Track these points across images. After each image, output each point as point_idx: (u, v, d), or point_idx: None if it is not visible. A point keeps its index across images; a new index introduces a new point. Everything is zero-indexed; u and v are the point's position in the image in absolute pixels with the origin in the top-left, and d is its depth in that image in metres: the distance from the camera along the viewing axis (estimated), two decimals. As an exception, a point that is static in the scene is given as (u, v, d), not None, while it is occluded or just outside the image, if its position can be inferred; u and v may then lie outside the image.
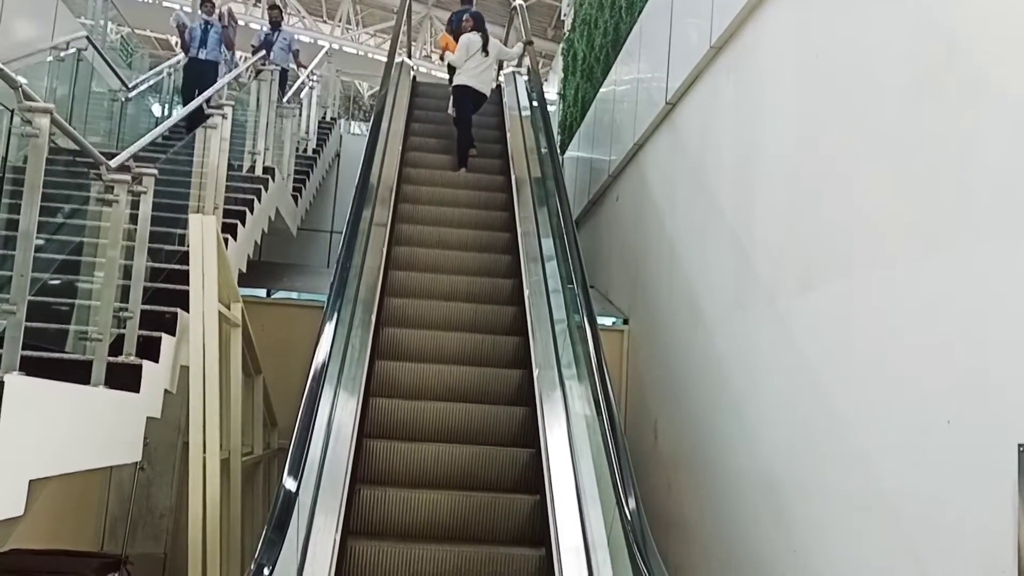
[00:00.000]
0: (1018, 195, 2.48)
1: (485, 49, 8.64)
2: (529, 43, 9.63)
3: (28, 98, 3.07)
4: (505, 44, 11.62)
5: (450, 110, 8.84)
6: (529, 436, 4.83)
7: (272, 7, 11.12)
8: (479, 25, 9.03)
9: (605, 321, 6.95)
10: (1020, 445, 2.36)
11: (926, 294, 2.90)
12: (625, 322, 7.12)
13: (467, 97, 8.60)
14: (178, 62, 10.57)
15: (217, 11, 9.81)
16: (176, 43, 12.12)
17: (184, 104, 9.06)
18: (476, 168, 8.31)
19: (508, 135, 8.58)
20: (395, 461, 4.64)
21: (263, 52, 9.64)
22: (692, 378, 5.32)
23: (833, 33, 3.79)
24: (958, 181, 2.78)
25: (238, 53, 11.34)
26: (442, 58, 9.89)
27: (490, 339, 5.64)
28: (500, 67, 12.00)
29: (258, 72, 7.98)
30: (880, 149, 3.29)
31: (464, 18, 9.39)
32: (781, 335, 4.06)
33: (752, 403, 4.33)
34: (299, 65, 10.44)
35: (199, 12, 9.83)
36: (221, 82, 7.83)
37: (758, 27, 4.63)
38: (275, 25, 10.57)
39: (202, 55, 9.49)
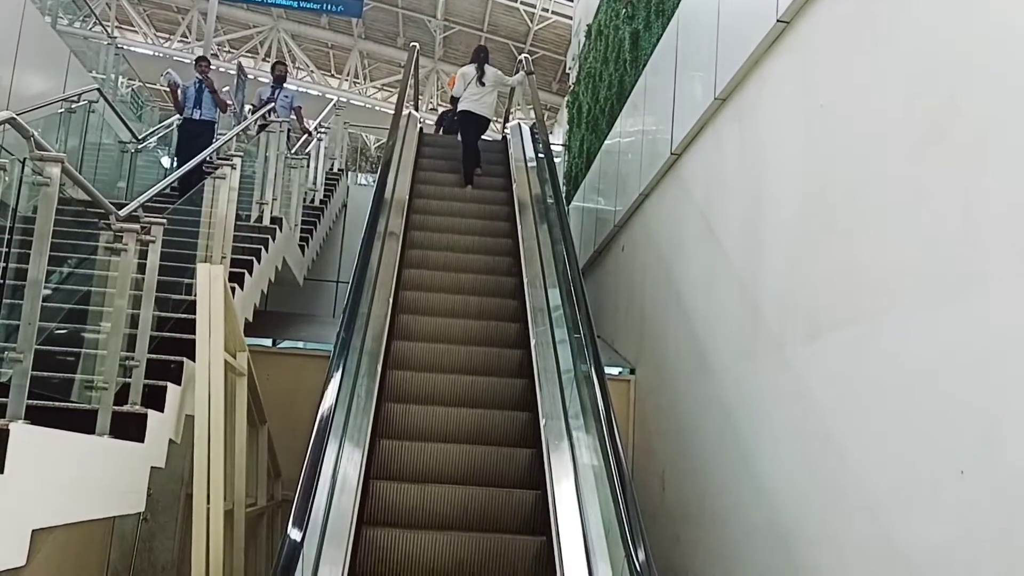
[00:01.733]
0: (1026, 242, 2.48)
1: (481, 80, 9.21)
2: (530, 73, 9.96)
3: (40, 148, 3.10)
4: (510, 101, 11.79)
5: (459, 137, 9.50)
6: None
7: (278, 63, 11.09)
8: (476, 57, 9.51)
9: (611, 371, 6.91)
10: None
11: (936, 342, 2.88)
12: (632, 372, 7.09)
13: (469, 121, 9.28)
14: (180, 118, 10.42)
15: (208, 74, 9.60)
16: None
17: (178, 165, 8.94)
18: (482, 197, 8.66)
19: (515, 186, 8.64)
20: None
21: (269, 106, 9.61)
22: (700, 428, 5.28)
23: (837, 84, 3.83)
24: (965, 229, 2.78)
25: (247, 107, 11.44)
26: (451, 101, 10.15)
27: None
28: (507, 118, 12.16)
29: (261, 127, 8.06)
30: (886, 197, 3.30)
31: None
32: (790, 384, 4.03)
33: (761, 453, 4.28)
34: (301, 123, 10.41)
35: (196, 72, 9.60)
36: (230, 134, 7.90)
37: (762, 78, 4.68)
38: (279, 81, 10.51)
39: (197, 116, 9.32)
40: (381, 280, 6.18)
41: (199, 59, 9.92)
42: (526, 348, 5.82)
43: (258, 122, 8.53)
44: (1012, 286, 2.52)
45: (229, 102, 9.86)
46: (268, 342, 7.37)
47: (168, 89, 9.84)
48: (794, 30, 4.27)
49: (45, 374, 3.66)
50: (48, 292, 3.56)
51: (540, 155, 8.67)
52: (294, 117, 10.20)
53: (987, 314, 2.64)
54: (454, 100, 9.62)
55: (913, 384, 3.00)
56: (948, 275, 2.85)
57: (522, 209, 7.86)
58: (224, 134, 8.68)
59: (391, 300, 6.18)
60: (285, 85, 10.65)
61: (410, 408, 5.22)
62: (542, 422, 4.85)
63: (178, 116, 9.83)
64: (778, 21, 4.28)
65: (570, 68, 13.64)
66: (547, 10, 21.36)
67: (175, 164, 9.70)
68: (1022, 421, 2.43)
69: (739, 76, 4.88)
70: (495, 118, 10.38)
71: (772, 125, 4.56)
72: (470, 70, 9.37)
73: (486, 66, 9.36)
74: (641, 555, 3.16)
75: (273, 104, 9.68)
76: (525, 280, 6.57)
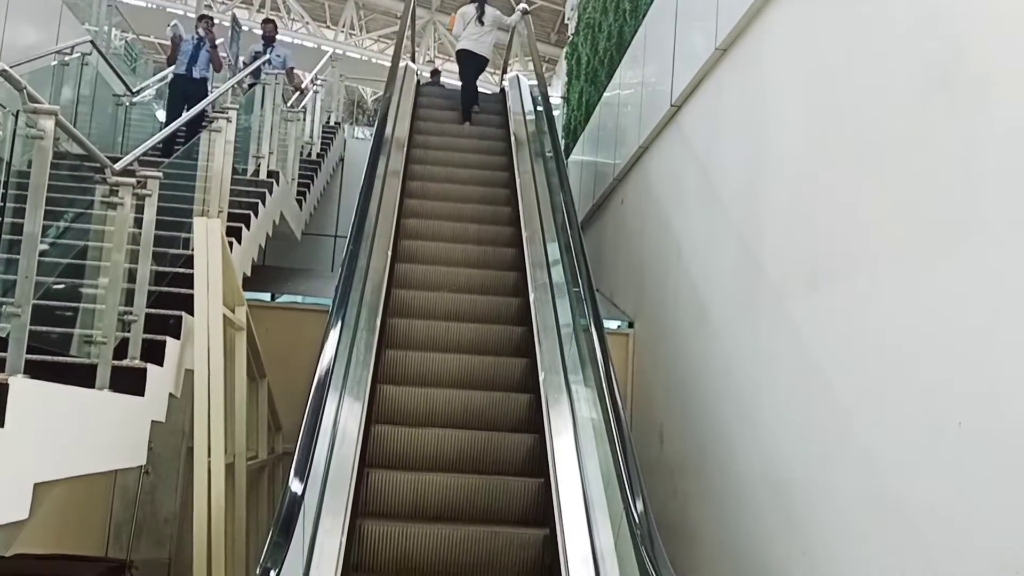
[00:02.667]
0: (1030, 193, 2.45)
1: (480, 20, 9.46)
2: (526, 12, 10.15)
3: (33, 100, 3.06)
4: (508, 50, 11.75)
5: None
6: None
7: (267, 21, 10.77)
8: None
9: (610, 325, 6.92)
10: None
11: (936, 294, 2.88)
12: (630, 325, 7.09)
13: (468, 60, 9.53)
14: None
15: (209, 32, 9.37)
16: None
17: (170, 121, 8.76)
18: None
19: (512, 138, 8.57)
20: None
21: (265, 58, 9.41)
22: (698, 381, 5.30)
23: (840, 32, 3.77)
24: (968, 180, 2.75)
25: (240, 59, 11.26)
26: (432, 74, 10.34)
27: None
28: (505, 69, 12.05)
29: (250, 86, 7.97)
30: (889, 148, 3.27)
31: None
32: (789, 337, 4.03)
33: (759, 406, 4.30)
34: (294, 84, 10.19)
35: (196, 29, 9.37)
36: (224, 87, 7.81)
37: (764, 28, 4.61)
38: (269, 40, 10.21)
39: (195, 73, 9.09)
40: (383, 216, 6.36)
41: (202, 17, 9.75)
42: (521, 271, 6.15)
43: (249, 80, 8.41)
44: (1016, 235, 2.50)
45: (224, 54, 9.69)
46: (267, 297, 7.36)
47: (170, 40, 9.69)
48: (797, -22, 4.20)
49: (43, 329, 3.65)
50: (45, 247, 3.54)
51: (539, 108, 8.61)
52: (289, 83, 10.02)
53: (989, 265, 2.62)
54: (435, 73, 9.79)
55: (912, 336, 3.00)
56: (950, 225, 2.83)
57: (519, 155, 7.92)
58: (218, 88, 8.58)
59: (393, 229, 6.46)
60: (277, 43, 10.36)
61: (413, 323, 5.64)
62: (541, 375, 4.87)
63: (170, 70, 9.64)
64: (781, -31, 4.21)
65: (569, 19, 13.46)
66: (546, -41, 21.07)
67: (167, 120, 9.52)
68: (1020, 373, 2.43)
69: (741, 25, 4.81)
70: (493, 70, 10.45)
71: (774, 75, 4.50)
72: (470, 10, 9.55)
73: (486, 6, 9.52)
74: (640, 506, 3.19)
75: (268, 57, 9.54)
76: (524, 236, 6.55)
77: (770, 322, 4.26)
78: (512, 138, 8.57)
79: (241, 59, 10.98)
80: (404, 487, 4.32)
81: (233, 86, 8.17)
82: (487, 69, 10.65)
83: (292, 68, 10.33)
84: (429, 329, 5.60)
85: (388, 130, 7.78)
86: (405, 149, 7.92)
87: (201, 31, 9.28)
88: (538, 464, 4.51)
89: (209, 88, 9.19)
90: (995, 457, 2.51)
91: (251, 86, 8.05)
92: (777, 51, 4.47)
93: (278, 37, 10.65)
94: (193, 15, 16.26)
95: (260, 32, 11.32)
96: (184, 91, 8.97)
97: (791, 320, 4.01)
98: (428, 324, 5.64)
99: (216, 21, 9.77)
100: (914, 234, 3.04)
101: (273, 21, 10.99)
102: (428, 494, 4.33)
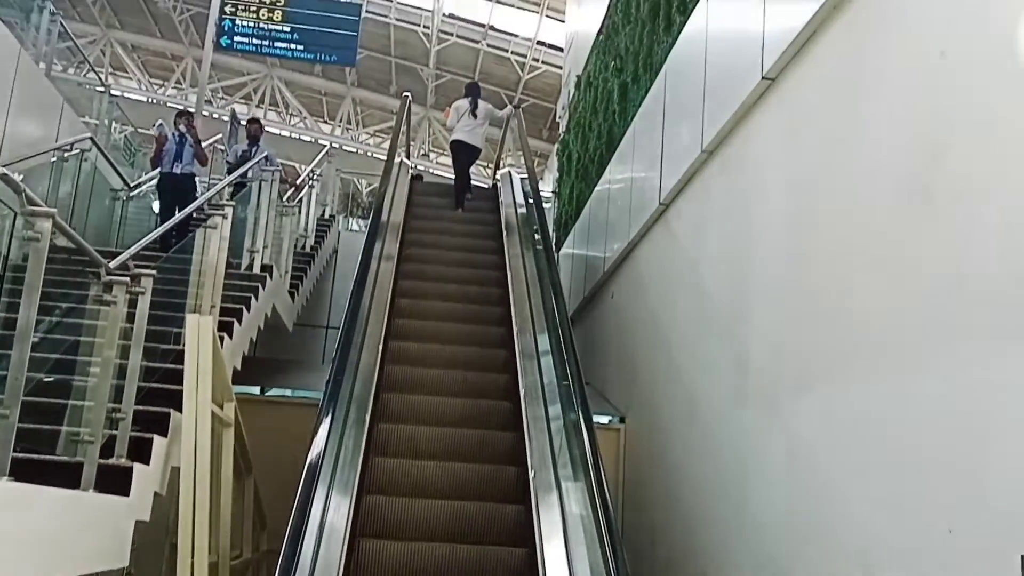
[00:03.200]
0: (1014, 298, 2.49)
1: (474, 113, 9.99)
2: (517, 107, 10.76)
3: (31, 202, 3.11)
4: (501, 146, 12.10)
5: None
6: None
7: (252, 121, 10.66)
8: (469, 92, 10.32)
9: (601, 419, 6.90)
10: (1023, 556, 2.32)
11: (925, 398, 2.89)
12: (622, 420, 7.07)
13: (461, 150, 10.12)
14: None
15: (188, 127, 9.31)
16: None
17: (162, 219, 8.58)
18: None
19: (504, 226, 8.72)
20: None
21: (253, 163, 9.14)
22: (690, 477, 5.26)
23: (821, 137, 3.88)
24: (954, 284, 2.79)
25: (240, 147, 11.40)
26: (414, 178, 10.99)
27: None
28: (498, 164, 12.32)
29: (239, 185, 8.09)
30: (874, 250, 3.32)
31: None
32: (780, 435, 4.02)
33: (751, 504, 4.26)
34: (290, 181, 10.17)
35: (176, 125, 9.29)
36: (216, 188, 7.90)
37: (748, 133, 4.73)
38: (253, 140, 10.11)
39: (177, 170, 9.01)
40: (376, 300, 6.57)
41: (180, 113, 9.72)
42: (509, 348, 6.28)
43: (235, 182, 8.50)
44: (1003, 341, 2.53)
45: (223, 147, 9.82)
46: (256, 390, 7.33)
47: (155, 139, 9.72)
48: (779, 87, 4.33)
49: (31, 427, 3.63)
50: (35, 340, 3.54)
51: (529, 200, 8.85)
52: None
53: (976, 371, 2.64)
54: (418, 177, 10.64)
55: (901, 440, 3.00)
56: (938, 329, 2.86)
57: (510, 241, 8.21)
58: (205, 183, 8.68)
59: (387, 308, 6.64)
60: (261, 141, 10.26)
61: (406, 397, 5.73)
62: (531, 473, 4.83)
63: (157, 171, 9.46)
64: (763, 78, 4.34)
65: (560, 117, 13.79)
66: (537, 60, 21.70)
67: (159, 220, 9.42)
68: (1008, 481, 2.44)
69: (725, 130, 4.94)
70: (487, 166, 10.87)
71: (758, 179, 4.60)
72: (464, 103, 10.06)
73: (479, 100, 10.07)
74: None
75: (266, 153, 9.66)
76: (515, 325, 6.58)
77: (761, 419, 4.25)
78: (503, 226, 8.75)
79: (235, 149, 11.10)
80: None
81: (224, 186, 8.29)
82: (480, 162, 11.02)
83: (278, 170, 10.25)
84: (419, 404, 5.68)
85: (384, 217, 8.15)
86: (400, 233, 8.20)
87: (182, 127, 9.23)
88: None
89: (197, 183, 9.25)
90: (984, 566, 2.49)
91: (238, 186, 8.15)
92: (761, 155, 4.57)
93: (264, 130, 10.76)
94: (193, 109, 16.56)
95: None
96: (172, 188, 8.96)
97: (783, 418, 4.01)
98: (419, 399, 5.74)
99: (210, 113, 9.90)
100: (904, 336, 3.05)
101: (259, 121, 10.89)
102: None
